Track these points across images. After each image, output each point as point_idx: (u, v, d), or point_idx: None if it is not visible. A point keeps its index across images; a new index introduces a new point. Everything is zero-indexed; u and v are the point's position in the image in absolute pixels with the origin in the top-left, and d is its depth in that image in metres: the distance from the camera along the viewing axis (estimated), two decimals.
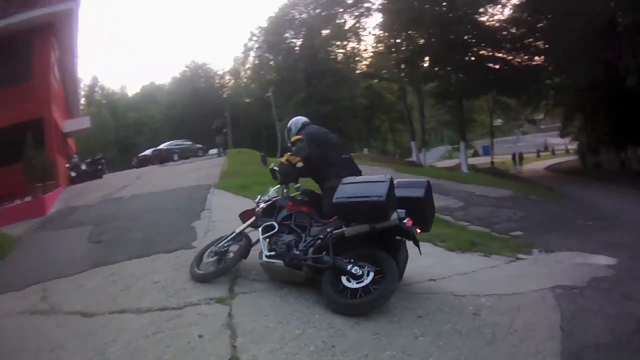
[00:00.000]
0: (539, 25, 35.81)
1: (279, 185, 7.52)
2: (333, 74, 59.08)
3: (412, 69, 40.60)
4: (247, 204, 12.93)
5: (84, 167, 28.16)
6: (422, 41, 38.07)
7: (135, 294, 6.74)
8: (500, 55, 39.23)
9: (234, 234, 7.23)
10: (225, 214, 11.34)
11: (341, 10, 52.89)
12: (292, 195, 7.48)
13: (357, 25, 53.01)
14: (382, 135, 74.24)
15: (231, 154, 29.76)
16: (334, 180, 6.49)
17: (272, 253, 6.44)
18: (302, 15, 62.31)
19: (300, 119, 7.74)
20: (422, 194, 6.23)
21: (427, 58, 39.36)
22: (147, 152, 40.18)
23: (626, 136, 36.63)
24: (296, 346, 5.06)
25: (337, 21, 54.72)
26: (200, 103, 67.94)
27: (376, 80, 62.98)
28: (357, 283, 5.70)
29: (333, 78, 58.47)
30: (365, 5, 49.81)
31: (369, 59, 59.49)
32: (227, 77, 78.02)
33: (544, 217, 15.26)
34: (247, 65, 75.36)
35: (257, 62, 69.78)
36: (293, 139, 7.31)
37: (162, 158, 36.63)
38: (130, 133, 66.61)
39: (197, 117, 65.37)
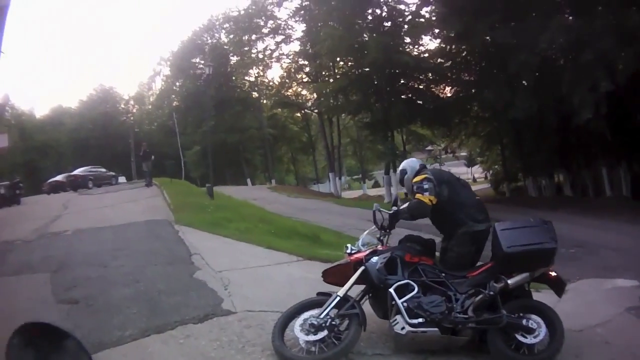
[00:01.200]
0: (468, 57, 36.20)
1: (371, 229, 6.27)
2: (240, 102, 57.61)
3: (347, 98, 39.55)
4: (238, 246, 11.36)
5: (2, 190, 24.94)
6: (363, 70, 37.09)
7: None
8: (431, 86, 39.29)
9: (337, 299, 5.42)
10: (226, 261, 9.57)
11: (257, 36, 51.51)
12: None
13: (279, 52, 52.40)
14: (284, 165, 72.90)
15: (164, 184, 26.77)
16: (472, 225, 5.82)
17: (420, 320, 5.16)
18: (213, 41, 60.26)
19: (416, 161, 6.66)
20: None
21: (358, 87, 38.24)
22: (59, 177, 37.02)
23: (561, 162, 37.18)
24: None
25: (253, 48, 53.81)
26: (105, 128, 64.41)
27: (280, 109, 62.34)
28: (533, 338, 5.18)
29: (240, 106, 56.94)
30: (287, 32, 49.89)
31: (283, 87, 58.08)
32: (132, 102, 74.70)
33: None
34: (151, 92, 73.10)
35: (163, 87, 67.41)
36: (416, 178, 6.10)
37: (77, 184, 33.52)
38: (36, 156, 62.10)
39: (102, 142, 61.98)
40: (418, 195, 5.85)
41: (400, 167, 6.61)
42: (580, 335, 6.01)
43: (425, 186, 5.85)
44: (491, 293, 5.28)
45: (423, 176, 5.98)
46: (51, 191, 33.70)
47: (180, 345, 5.62)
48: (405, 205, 6.02)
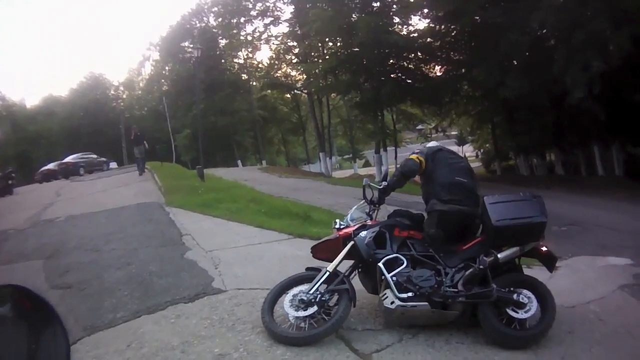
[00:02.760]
0: (458, 37, 36.23)
1: (360, 204, 6.28)
2: (230, 85, 57.20)
3: (336, 78, 39.73)
4: (228, 226, 11.36)
5: None
6: (352, 50, 36.79)
7: None
8: (420, 65, 39.28)
9: (327, 274, 5.37)
10: (217, 241, 9.63)
11: (245, 19, 51.44)
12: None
13: (267, 34, 52.48)
14: (275, 147, 72.72)
15: (155, 168, 26.58)
16: (433, 204, 5.74)
17: (410, 295, 5.10)
18: (202, 24, 59.75)
19: (436, 145, 6.40)
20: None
21: (347, 68, 38.27)
22: (50, 165, 36.91)
23: (553, 142, 37.59)
24: None
25: (242, 30, 53.93)
26: (96, 115, 64.09)
27: (269, 91, 61.87)
28: (524, 312, 5.19)
29: (230, 89, 56.56)
30: (276, 14, 49.70)
31: (273, 69, 57.91)
32: (121, 88, 74.31)
33: None
34: (141, 77, 73.10)
35: (153, 72, 67.18)
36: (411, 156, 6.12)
37: (69, 172, 33.66)
38: (28, 147, 61.92)
39: (93, 129, 61.88)
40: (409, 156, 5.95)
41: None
42: (573, 311, 6.08)
43: (417, 150, 6.04)
44: (481, 267, 5.25)
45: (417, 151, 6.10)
46: (43, 180, 33.52)
47: (172, 324, 5.60)
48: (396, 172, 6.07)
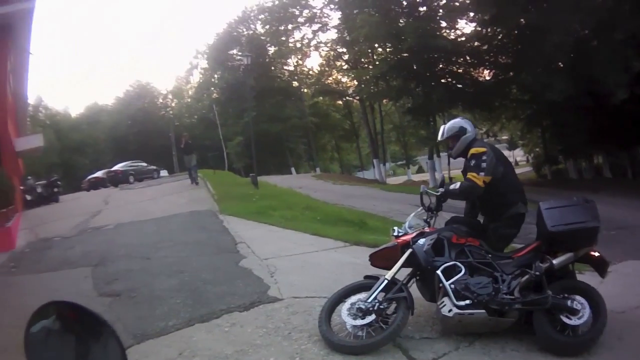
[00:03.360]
0: (504, 40, 35.96)
1: (417, 211, 6.13)
2: (281, 92, 57.38)
3: (387, 84, 39.54)
4: (283, 234, 11.28)
5: (39, 189, 25.02)
6: (402, 55, 36.73)
7: None
8: (469, 69, 39.30)
9: (385, 282, 5.26)
10: (272, 248, 9.51)
11: (293, 26, 51.90)
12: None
13: (316, 40, 52.77)
14: (328, 154, 72.47)
15: (207, 175, 26.51)
16: (520, 207, 5.76)
17: (467, 302, 5.02)
18: (249, 32, 60.20)
19: (472, 126, 6.19)
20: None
21: (398, 73, 38.03)
22: (98, 173, 37.29)
23: (598, 144, 37.03)
24: None
25: (290, 37, 54.29)
26: (144, 123, 64.93)
27: (321, 98, 61.77)
28: (577, 319, 5.08)
29: (281, 95, 56.81)
30: (324, 20, 50.04)
31: (323, 75, 58.10)
32: (170, 96, 75.07)
33: None
34: (189, 85, 73.70)
35: (201, 80, 67.56)
36: (475, 149, 5.76)
37: (117, 180, 33.54)
38: (73, 155, 63.41)
39: (142, 138, 62.64)
40: (471, 175, 5.61)
41: (459, 124, 6.06)
42: (623, 317, 5.90)
43: (483, 165, 5.60)
44: (537, 273, 5.17)
45: (482, 150, 5.68)
46: (90, 188, 33.89)
47: (226, 333, 5.52)
48: (456, 185, 5.83)
